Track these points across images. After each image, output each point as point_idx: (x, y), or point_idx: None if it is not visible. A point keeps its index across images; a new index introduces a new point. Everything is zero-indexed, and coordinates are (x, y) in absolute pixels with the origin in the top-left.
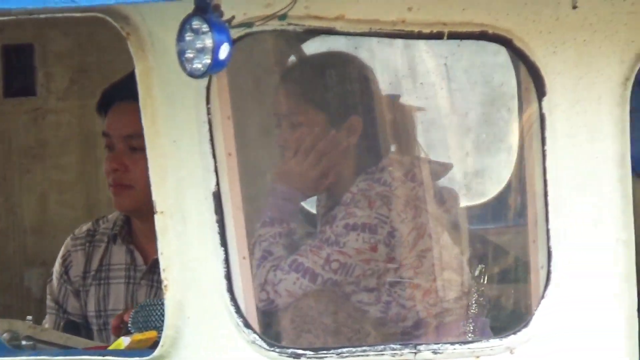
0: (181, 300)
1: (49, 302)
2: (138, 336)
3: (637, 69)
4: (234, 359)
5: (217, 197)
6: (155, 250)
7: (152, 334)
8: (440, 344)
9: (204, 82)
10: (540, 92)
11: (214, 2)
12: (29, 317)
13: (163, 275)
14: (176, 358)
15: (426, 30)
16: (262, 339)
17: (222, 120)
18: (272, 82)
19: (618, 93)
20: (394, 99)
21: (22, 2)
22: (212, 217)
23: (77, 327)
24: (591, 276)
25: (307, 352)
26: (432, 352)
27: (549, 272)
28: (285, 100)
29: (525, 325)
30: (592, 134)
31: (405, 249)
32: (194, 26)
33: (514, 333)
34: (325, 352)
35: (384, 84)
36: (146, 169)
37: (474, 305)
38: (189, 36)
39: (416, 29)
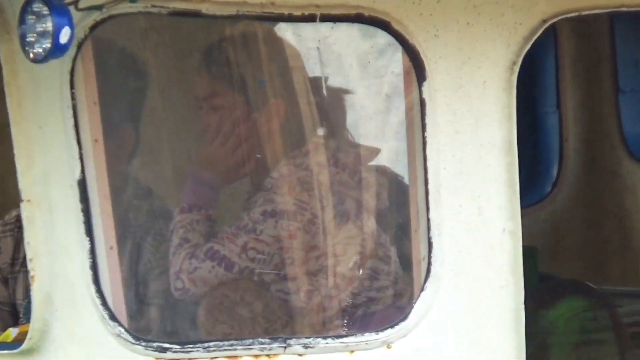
0: (49, 292)
1: None
2: (25, 327)
3: (524, 52)
4: (101, 353)
5: (82, 185)
6: None
7: None
8: (312, 338)
9: (67, 65)
10: (421, 77)
11: None
12: None
13: (30, 266)
14: (44, 352)
15: (297, 13)
16: (128, 332)
17: (88, 106)
18: (141, 66)
19: (504, 78)
20: (318, 82)
21: None
22: (78, 206)
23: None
24: (475, 268)
25: (174, 346)
26: (303, 346)
27: (429, 264)
28: (204, 83)
29: (404, 319)
30: (476, 120)
31: (327, 236)
32: (35, 9)
33: (391, 327)
34: (191, 346)
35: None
36: None
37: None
38: (30, 19)
39: (286, 12)
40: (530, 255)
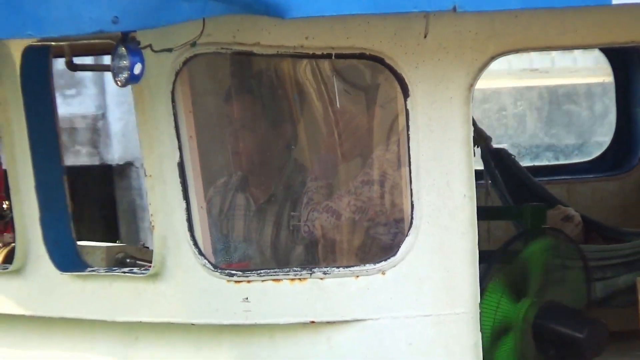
0: (164, 236)
1: None
2: None
3: (479, 77)
4: (195, 277)
5: (181, 166)
6: None
7: None
8: (329, 267)
9: (169, 87)
10: (405, 95)
11: (131, 35)
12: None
13: (151, 219)
14: (163, 275)
15: (318, 53)
16: (210, 263)
17: (185, 114)
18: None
19: (465, 95)
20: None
21: None
22: (178, 180)
23: None
24: (444, 221)
25: (238, 273)
26: (323, 272)
27: (411, 218)
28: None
29: (394, 255)
30: (445, 124)
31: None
32: (119, 51)
33: (385, 260)
34: (249, 272)
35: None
36: None
37: None
38: (116, 57)
39: (311, 52)
40: (540, 212)
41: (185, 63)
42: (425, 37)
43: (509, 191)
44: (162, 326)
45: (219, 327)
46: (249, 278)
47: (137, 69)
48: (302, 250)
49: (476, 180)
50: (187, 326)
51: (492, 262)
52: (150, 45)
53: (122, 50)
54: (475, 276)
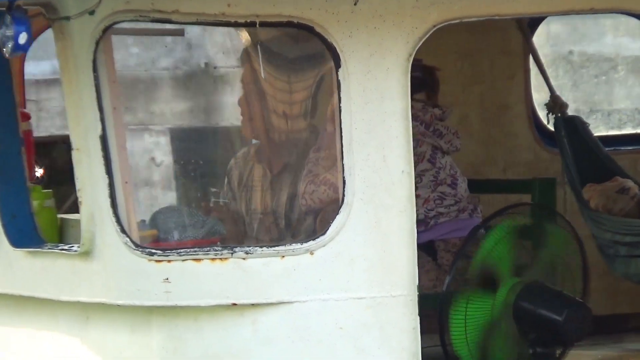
0: (91, 212)
1: None
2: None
3: (417, 47)
4: (118, 255)
5: (103, 139)
6: None
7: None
8: (252, 247)
9: (90, 56)
10: (337, 65)
11: (16, 3)
12: None
13: (79, 194)
14: (92, 253)
15: (241, 21)
16: (132, 241)
17: (109, 84)
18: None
19: (403, 65)
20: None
21: None
22: (101, 153)
23: None
24: (380, 198)
25: (158, 252)
26: (245, 252)
27: (343, 195)
28: None
29: (323, 234)
30: (381, 95)
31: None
32: (6, 20)
33: (313, 239)
34: (169, 251)
35: None
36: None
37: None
38: (3, 26)
39: (233, 20)
40: (550, 185)
41: (105, 31)
42: (355, 4)
43: (575, 161)
44: (105, 307)
45: (148, 309)
46: (169, 257)
47: (22, 39)
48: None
49: None
50: (123, 307)
51: (469, 240)
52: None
53: (8, 19)
54: (414, 256)
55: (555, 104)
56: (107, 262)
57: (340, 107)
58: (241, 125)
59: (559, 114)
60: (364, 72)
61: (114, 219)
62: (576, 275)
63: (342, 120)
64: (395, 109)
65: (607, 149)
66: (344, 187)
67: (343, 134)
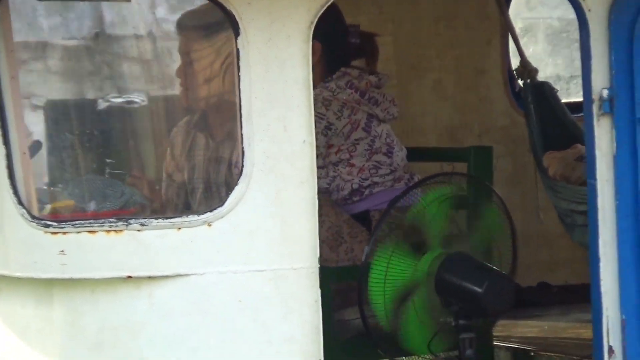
0: None
1: None
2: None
3: (319, 14)
4: (16, 227)
5: (0, 109)
6: None
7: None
8: (147, 219)
9: None
10: (236, 33)
11: None
12: None
13: None
14: None
15: None
16: (29, 213)
17: (5, 52)
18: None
19: (305, 33)
20: (352, 28)
21: None
22: None
23: None
24: (281, 169)
25: (54, 224)
26: (140, 224)
27: (242, 166)
28: None
29: (221, 205)
30: (282, 64)
31: (341, 138)
32: None
33: (210, 210)
34: (64, 223)
35: None
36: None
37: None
38: None
39: None
40: (486, 154)
41: None
42: None
43: (541, 127)
44: (10, 279)
45: (49, 282)
46: (65, 229)
47: None
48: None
49: None
50: (26, 279)
51: (390, 208)
52: None
53: None
54: (315, 228)
55: (525, 70)
56: (6, 235)
57: (239, 76)
58: (181, 95)
59: (528, 80)
60: (264, 40)
61: (11, 191)
62: (504, 250)
63: (241, 90)
64: (297, 77)
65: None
66: (242, 158)
67: (242, 104)
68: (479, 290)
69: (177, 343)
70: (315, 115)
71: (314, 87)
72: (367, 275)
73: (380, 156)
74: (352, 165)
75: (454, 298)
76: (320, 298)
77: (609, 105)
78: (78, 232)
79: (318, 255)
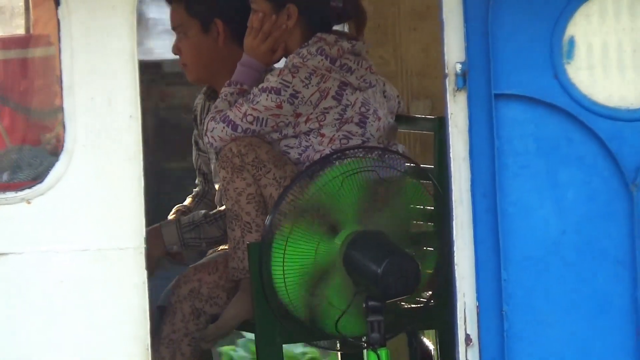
0: None
1: None
2: None
3: None
4: None
5: None
6: None
7: None
8: None
9: None
10: (56, 2)
11: None
12: None
13: None
14: None
15: None
16: None
17: None
18: None
19: (130, 3)
20: None
21: None
22: None
23: None
24: (106, 145)
25: None
26: None
27: (64, 142)
28: None
29: (40, 182)
30: (107, 34)
31: (309, 106)
32: None
33: (29, 187)
34: None
35: None
36: (192, 50)
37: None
38: None
39: None
40: None
41: None
42: None
43: None
44: None
45: None
46: None
47: None
48: None
49: None
50: None
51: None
52: None
53: None
54: (141, 208)
55: None
56: None
57: (60, 47)
58: (185, 72)
59: None
60: (86, 10)
61: None
62: (431, 234)
63: (62, 62)
64: (122, 48)
65: None
66: (64, 133)
67: (63, 77)
68: (377, 270)
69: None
70: (280, 83)
71: (290, 53)
72: (269, 258)
73: (352, 126)
74: (323, 135)
75: (359, 278)
76: (146, 279)
77: (463, 80)
78: None
79: (144, 235)
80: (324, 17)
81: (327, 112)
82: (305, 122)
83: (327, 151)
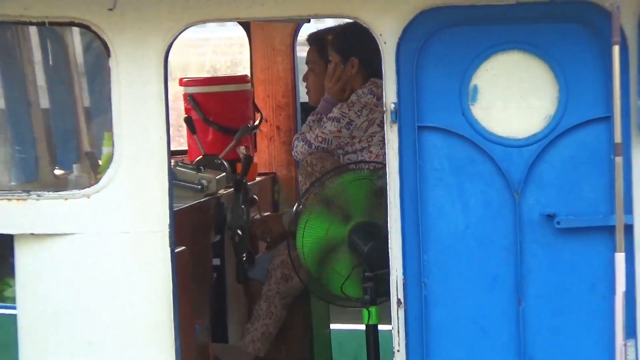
0: None
1: None
2: None
3: (173, 41)
4: None
5: None
6: None
7: None
8: (42, 191)
9: None
10: (108, 55)
11: None
12: None
13: None
14: None
15: (34, 20)
16: None
17: None
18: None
19: (161, 57)
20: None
21: None
22: None
23: None
24: (143, 158)
25: None
26: (37, 195)
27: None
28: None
29: (96, 183)
30: (144, 81)
31: (360, 131)
32: None
33: (89, 187)
34: None
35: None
36: (315, 81)
37: None
38: None
39: (28, 20)
40: None
41: None
42: (110, 9)
43: None
44: None
45: None
46: None
47: None
48: None
49: None
50: None
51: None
52: None
53: None
54: (166, 204)
55: None
56: None
57: (111, 88)
58: (307, 95)
59: None
60: (130, 61)
61: None
62: None
63: (113, 98)
64: (155, 90)
65: None
66: (113, 149)
67: (113, 109)
68: (364, 248)
69: (65, 286)
70: (340, 114)
71: (354, 92)
72: (296, 230)
73: None
74: (371, 152)
75: (357, 255)
76: (170, 255)
77: (396, 115)
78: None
79: (169, 221)
80: (376, 66)
81: (374, 136)
82: (359, 142)
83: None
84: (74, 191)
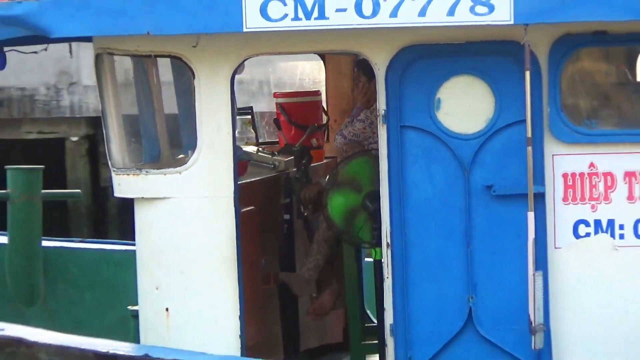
0: None
1: None
2: None
3: (235, 70)
4: None
5: None
6: None
7: None
8: (154, 169)
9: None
10: (193, 77)
11: None
12: None
13: None
14: None
15: (144, 54)
16: None
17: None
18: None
19: (228, 80)
20: None
21: None
22: None
23: None
24: (215, 146)
25: None
26: (146, 172)
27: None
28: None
29: (185, 163)
30: (217, 96)
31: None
32: None
33: (181, 165)
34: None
35: None
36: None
37: None
38: None
39: (139, 53)
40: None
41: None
42: (194, 47)
43: None
44: None
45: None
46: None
47: None
48: None
49: None
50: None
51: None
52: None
53: None
54: (231, 176)
55: None
56: None
57: (195, 100)
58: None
59: None
60: (208, 82)
61: None
62: None
63: (196, 107)
64: (224, 98)
65: None
66: (196, 140)
67: (197, 114)
68: (371, 207)
69: (166, 231)
70: (365, 117)
71: (370, 104)
72: (327, 195)
73: None
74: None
75: (368, 212)
76: (234, 217)
77: (385, 118)
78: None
79: (233, 188)
80: None
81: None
82: (379, 137)
83: None
84: (170, 169)
